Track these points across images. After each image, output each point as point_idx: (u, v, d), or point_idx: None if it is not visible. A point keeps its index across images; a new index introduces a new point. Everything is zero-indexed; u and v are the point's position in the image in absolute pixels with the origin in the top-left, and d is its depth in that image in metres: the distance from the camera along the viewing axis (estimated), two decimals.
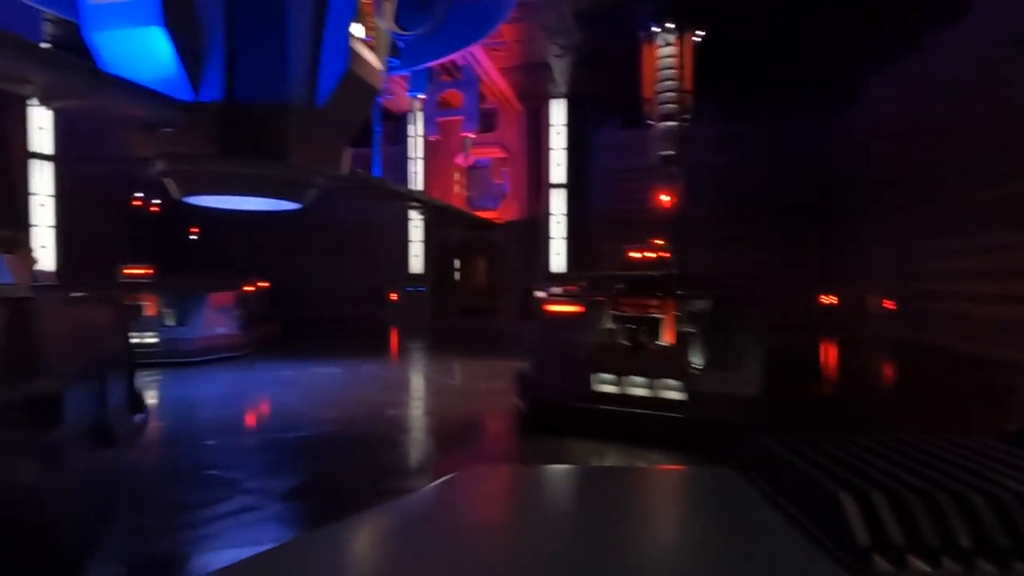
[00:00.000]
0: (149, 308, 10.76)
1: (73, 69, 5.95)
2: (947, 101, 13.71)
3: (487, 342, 15.28)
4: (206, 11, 6.42)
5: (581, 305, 7.46)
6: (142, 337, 10.22)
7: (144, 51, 6.20)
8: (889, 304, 15.68)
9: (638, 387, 6.69)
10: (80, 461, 3.26)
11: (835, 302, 18.14)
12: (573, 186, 19.27)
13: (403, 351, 15.63)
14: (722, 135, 19.14)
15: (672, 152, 15.56)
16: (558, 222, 19.09)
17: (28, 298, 3.58)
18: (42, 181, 13.83)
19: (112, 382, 3.69)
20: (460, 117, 17.66)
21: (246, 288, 13.05)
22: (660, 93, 15.18)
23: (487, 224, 20.34)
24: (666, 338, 7.04)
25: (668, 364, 6.66)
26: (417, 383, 11.52)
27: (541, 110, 19.55)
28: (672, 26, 14.96)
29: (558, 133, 19.06)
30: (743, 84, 18.86)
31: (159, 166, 7.21)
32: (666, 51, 14.83)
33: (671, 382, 6.51)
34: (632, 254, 10.01)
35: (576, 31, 16.64)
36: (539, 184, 20.04)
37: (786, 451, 1.07)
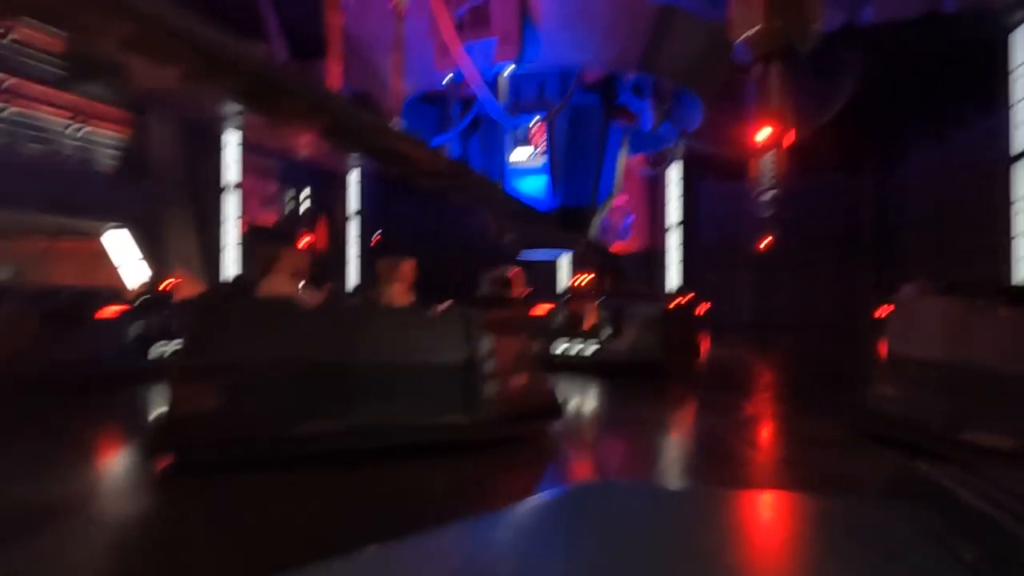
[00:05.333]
0: (589, 318, 11.03)
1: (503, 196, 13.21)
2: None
3: None
4: (557, 166, 13.57)
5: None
6: (584, 346, 10.70)
7: (535, 185, 13.39)
8: None
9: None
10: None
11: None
12: (684, 226, 25.89)
13: None
14: (797, 184, 25.32)
15: (768, 212, 21.93)
16: (674, 253, 25.77)
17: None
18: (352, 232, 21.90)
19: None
20: None
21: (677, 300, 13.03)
22: (761, 174, 21.58)
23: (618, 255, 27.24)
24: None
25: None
26: None
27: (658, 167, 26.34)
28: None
29: (673, 185, 25.82)
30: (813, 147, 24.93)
31: (510, 236, 14.42)
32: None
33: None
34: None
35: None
36: (655, 223, 26.76)
37: (957, 485, 0.94)
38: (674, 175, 25.75)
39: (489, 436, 4.73)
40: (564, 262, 25.14)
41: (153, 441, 4.42)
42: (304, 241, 19.11)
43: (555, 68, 11.52)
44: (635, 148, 16.76)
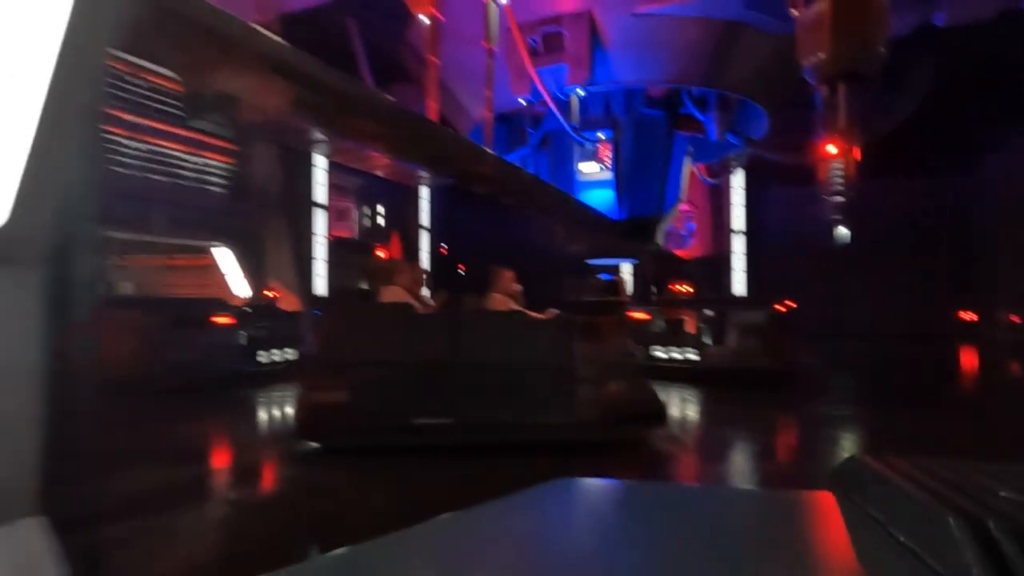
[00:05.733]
0: (688, 324, 10.67)
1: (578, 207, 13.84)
2: None
3: None
4: (623, 178, 14.08)
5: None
6: (683, 353, 10.34)
7: (601, 197, 13.96)
8: (1015, 318, 20.44)
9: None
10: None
11: (975, 318, 22.78)
12: (749, 231, 25.67)
13: None
14: (867, 190, 24.59)
15: (837, 218, 21.51)
16: (739, 259, 25.56)
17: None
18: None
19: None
20: None
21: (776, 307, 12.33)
22: (829, 181, 21.22)
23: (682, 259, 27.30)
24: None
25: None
26: None
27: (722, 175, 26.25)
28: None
29: (736, 192, 25.66)
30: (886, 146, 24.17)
31: (578, 247, 15.00)
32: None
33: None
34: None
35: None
36: (719, 228, 26.65)
37: (893, 473, 0.96)
38: (738, 182, 25.61)
39: (590, 438, 4.92)
40: (626, 269, 25.44)
41: (298, 428, 5.10)
42: (380, 252, 20.33)
43: (621, 86, 12.07)
44: (700, 157, 17.02)
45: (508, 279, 5.47)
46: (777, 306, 11.28)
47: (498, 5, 8.38)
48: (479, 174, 7.14)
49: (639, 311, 10.90)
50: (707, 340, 10.50)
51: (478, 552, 1.01)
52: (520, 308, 5.29)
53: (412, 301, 5.22)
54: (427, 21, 7.67)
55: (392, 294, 5.24)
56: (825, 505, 1.09)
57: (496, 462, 4.58)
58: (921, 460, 1.01)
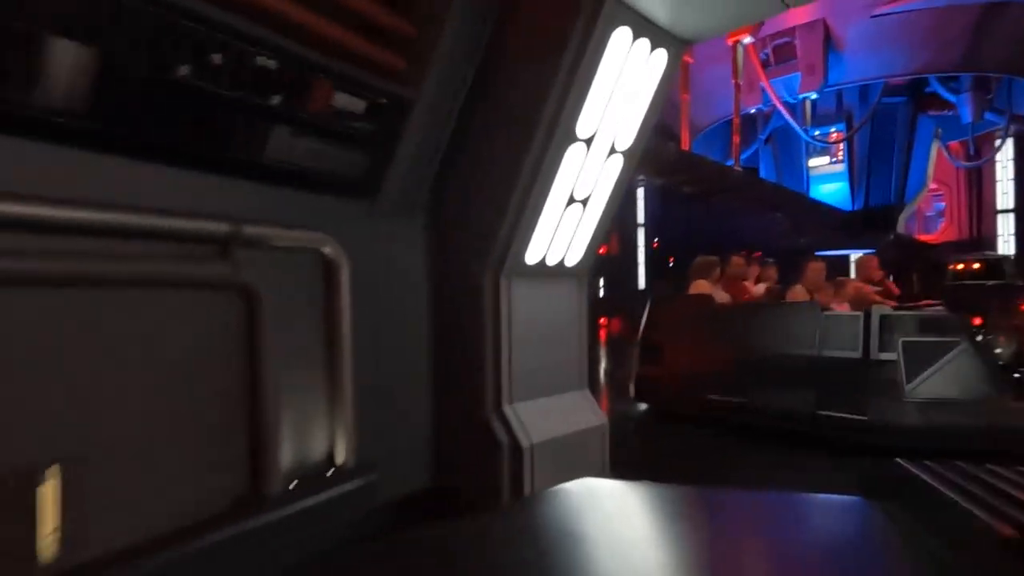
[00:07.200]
0: None
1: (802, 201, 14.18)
2: None
3: None
4: (858, 169, 14.00)
5: None
6: None
7: (834, 189, 14.09)
8: None
9: None
10: None
11: None
12: (1018, 212, 22.27)
13: None
14: None
15: None
16: (1005, 241, 22.38)
17: None
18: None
19: None
20: None
21: None
22: None
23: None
24: None
25: None
26: None
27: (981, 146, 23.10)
28: None
29: (1003, 167, 22.42)
30: None
31: (806, 238, 15.16)
32: None
33: None
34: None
35: None
36: (979, 210, 23.49)
37: (932, 479, 0.91)
38: (1006, 155, 22.30)
39: (897, 443, 4.24)
40: (856, 258, 23.88)
41: (633, 391, 6.13)
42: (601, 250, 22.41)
43: (857, 83, 12.14)
44: (949, 136, 15.81)
45: (815, 270, 5.42)
46: None
47: (742, 45, 9.48)
48: (695, 179, 8.31)
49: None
50: None
51: (503, 550, 1.00)
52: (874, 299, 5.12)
53: (713, 294, 5.72)
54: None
55: (697, 287, 5.76)
56: (857, 510, 1.03)
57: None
58: (961, 464, 0.93)
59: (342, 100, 1.89)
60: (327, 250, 2.04)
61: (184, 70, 1.48)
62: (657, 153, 8.27)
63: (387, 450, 2.30)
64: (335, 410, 2.08)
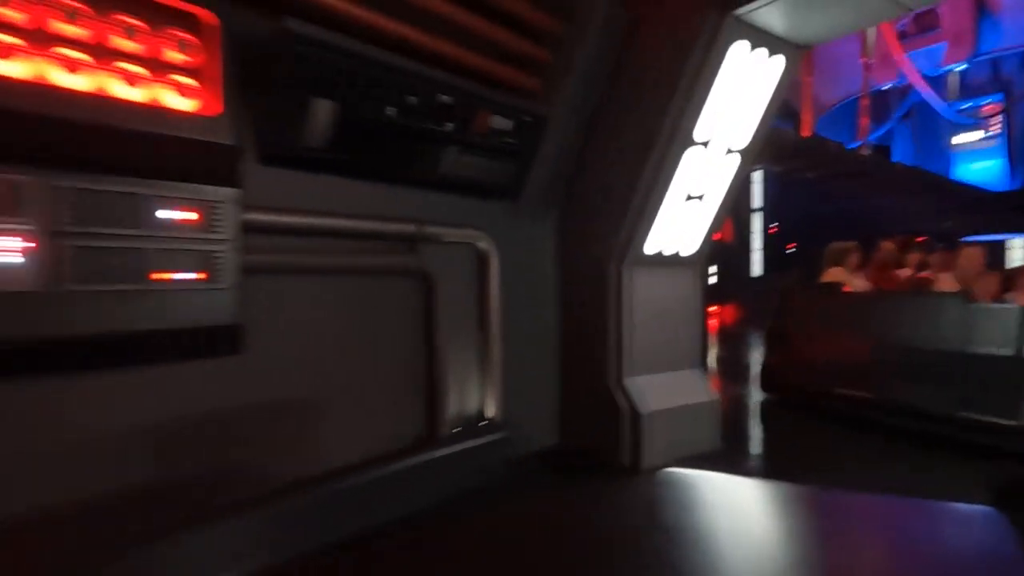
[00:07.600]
0: None
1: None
2: None
3: None
4: (1017, 146, 12.51)
5: None
6: None
7: (984, 168, 12.72)
8: None
9: None
10: None
11: None
12: None
13: None
14: None
15: None
16: None
17: None
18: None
19: None
20: None
21: None
22: None
23: None
24: None
25: None
26: None
27: None
28: None
29: None
30: None
31: (949, 221, 13.78)
32: None
33: None
34: None
35: None
36: None
37: None
38: None
39: None
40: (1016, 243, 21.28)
41: (761, 379, 5.88)
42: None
43: (1018, 50, 10.83)
44: None
45: (971, 257, 5.05)
46: None
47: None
48: (817, 163, 7.86)
49: None
50: None
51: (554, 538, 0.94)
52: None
53: (848, 281, 5.44)
54: None
55: (831, 275, 5.60)
56: (989, 521, 0.94)
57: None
58: None
59: (497, 122, 2.32)
60: (481, 244, 2.51)
61: (391, 111, 1.97)
62: (775, 139, 8.02)
63: (523, 412, 2.76)
64: (486, 374, 2.57)
